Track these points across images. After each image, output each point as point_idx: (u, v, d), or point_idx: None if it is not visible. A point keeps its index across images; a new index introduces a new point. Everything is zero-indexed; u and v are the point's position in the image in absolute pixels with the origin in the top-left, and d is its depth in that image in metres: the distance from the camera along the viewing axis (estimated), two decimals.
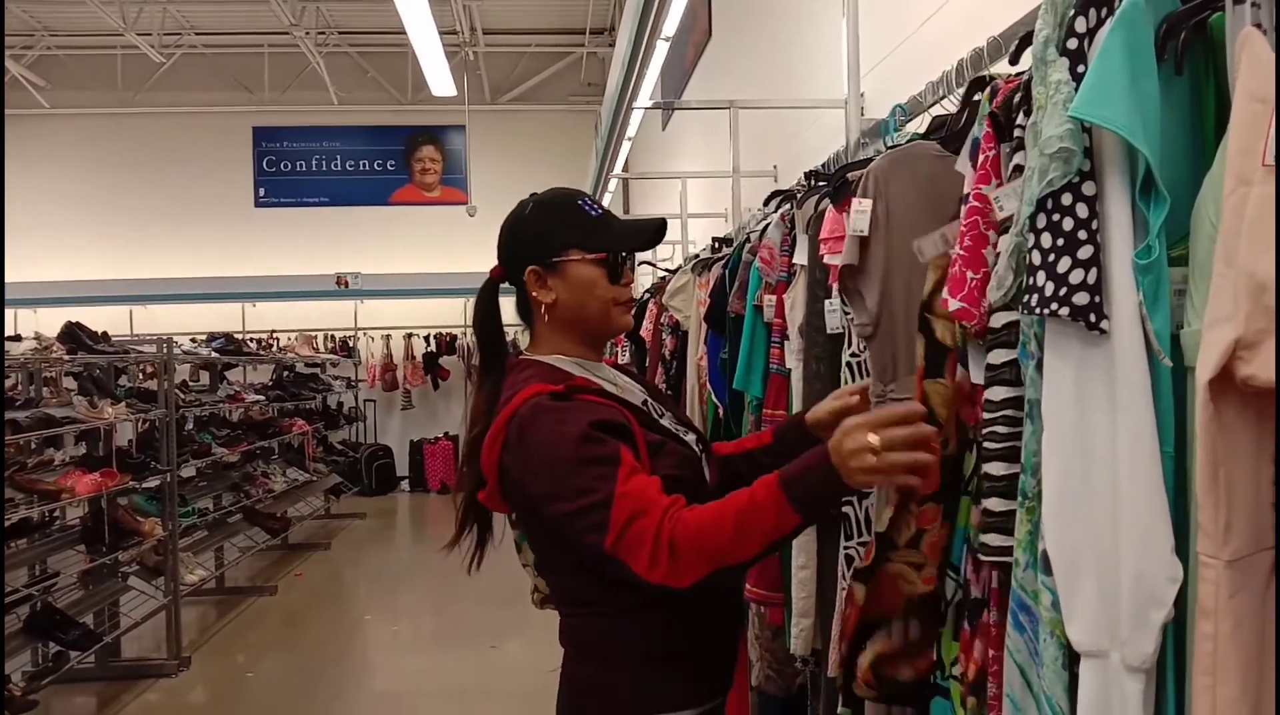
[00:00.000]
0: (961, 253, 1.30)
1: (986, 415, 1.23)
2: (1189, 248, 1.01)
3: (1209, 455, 0.93)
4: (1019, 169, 1.21)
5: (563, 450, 1.42)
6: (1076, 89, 1.04)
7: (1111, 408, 1.01)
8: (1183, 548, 0.99)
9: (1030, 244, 1.07)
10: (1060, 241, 1.04)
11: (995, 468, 1.21)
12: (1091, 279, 1.02)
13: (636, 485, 1.39)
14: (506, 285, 1.66)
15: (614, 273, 1.60)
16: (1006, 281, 1.13)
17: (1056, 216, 1.05)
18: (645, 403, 1.63)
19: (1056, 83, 1.06)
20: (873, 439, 1.26)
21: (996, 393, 1.21)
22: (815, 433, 1.71)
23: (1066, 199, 1.04)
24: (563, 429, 1.43)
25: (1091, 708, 1.02)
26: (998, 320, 1.21)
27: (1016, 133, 1.23)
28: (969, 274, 1.27)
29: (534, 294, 1.59)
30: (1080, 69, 1.06)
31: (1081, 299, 1.02)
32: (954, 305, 1.29)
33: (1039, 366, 1.10)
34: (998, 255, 1.21)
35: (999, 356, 1.21)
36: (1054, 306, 1.03)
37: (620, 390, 1.60)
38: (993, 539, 1.21)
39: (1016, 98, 1.26)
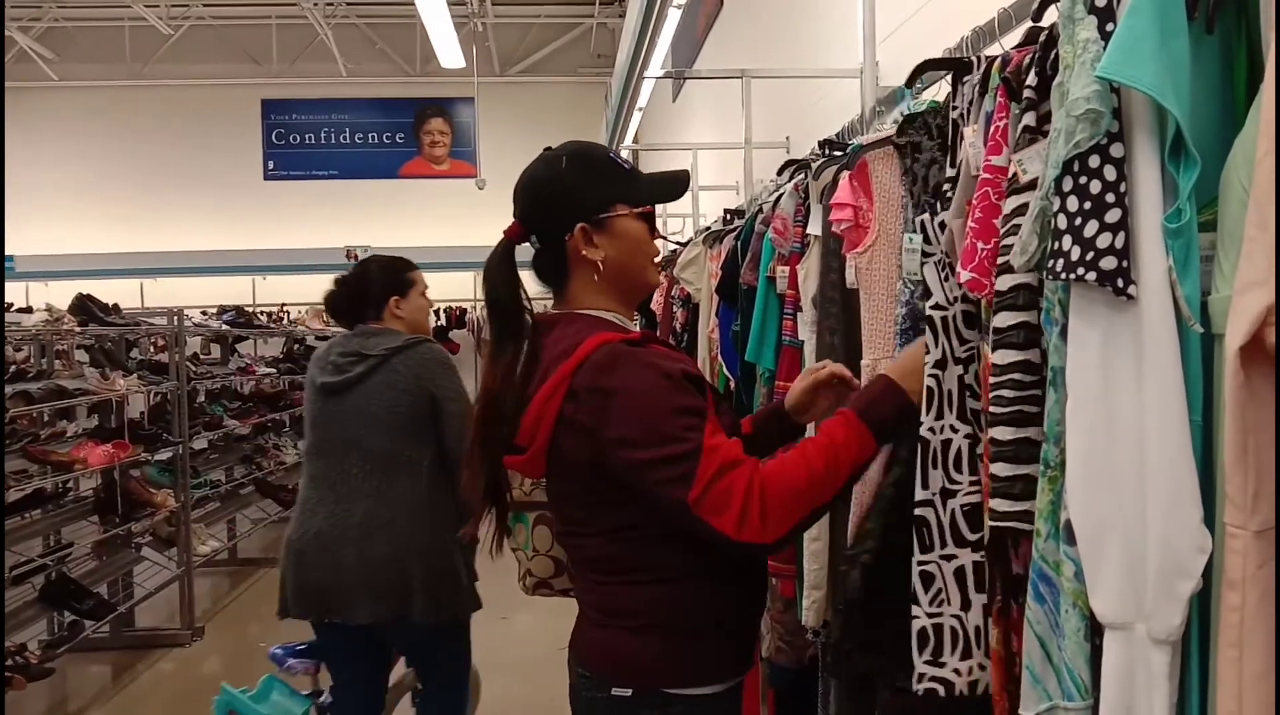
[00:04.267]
0: (973, 224, 1.28)
1: (993, 379, 1.22)
2: (1218, 212, 0.99)
3: (1238, 424, 0.91)
4: (1028, 129, 1.19)
5: (653, 395, 1.36)
6: (1105, 48, 1.01)
7: (1138, 375, 0.99)
8: (1209, 518, 0.97)
9: (1056, 207, 1.04)
10: (1087, 205, 1.01)
11: (1001, 432, 1.20)
12: (1119, 243, 0.99)
13: (723, 441, 1.36)
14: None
15: (652, 226, 1.57)
16: (1030, 246, 1.10)
17: (1083, 179, 1.02)
18: None
19: (1084, 41, 1.03)
20: None
21: (1003, 356, 1.20)
22: (795, 418, 1.71)
23: (1094, 161, 1.01)
24: (651, 373, 1.38)
25: (1116, 680, 1.00)
26: (1004, 283, 1.19)
27: (1026, 94, 1.21)
28: (979, 245, 1.26)
29: (583, 252, 1.50)
30: (1109, 27, 1.02)
31: (1109, 263, 0.99)
32: (965, 276, 1.28)
33: (1063, 333, 1.08)
34: (1009, 224, 1.19)
35: (1005, 319, 1.19)
36: (1080, 271, 1.01)
37: None
38: (1000, 504, 1.20)
39: (1027, 60, 1.23)
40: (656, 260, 1.60)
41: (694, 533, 1.35)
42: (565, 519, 1.55)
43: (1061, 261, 1.03)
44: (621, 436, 1.36)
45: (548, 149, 1.58)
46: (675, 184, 1.62)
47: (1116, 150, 1.02)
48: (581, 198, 1.52)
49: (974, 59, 1.43)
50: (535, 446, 1.44)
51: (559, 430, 1.41)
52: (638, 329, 1.57)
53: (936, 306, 1.41)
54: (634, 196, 1.54)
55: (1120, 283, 0.99)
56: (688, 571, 1.45)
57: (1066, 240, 1.03)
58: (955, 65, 1.48)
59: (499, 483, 1.54)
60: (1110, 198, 1.01)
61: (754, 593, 1.57)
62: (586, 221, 1.50)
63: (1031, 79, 1.20)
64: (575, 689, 1.56)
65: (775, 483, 1.33)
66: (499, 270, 1.52)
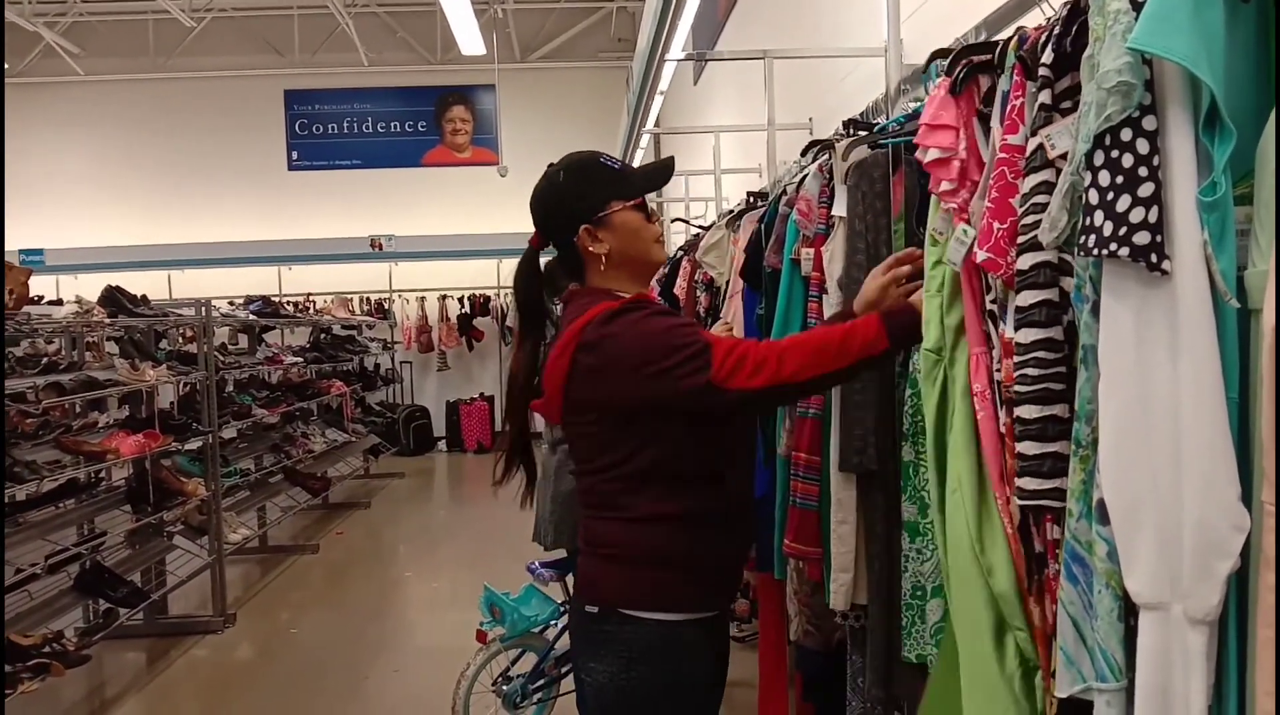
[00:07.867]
0: (989, 204, 1.27)
1: (1017, 358, 1.21)
2: (1254, 185, 0.97)
3: (1275, 400, 0.89)
4: (1044, 108, 1.18)
5: (652, 323, 1.65)
6: (1136, 18, 0.99)
7: (1173, 352, 0.97)
8: (1246, 496, 0.95)
9: (1087, 182, 1.02)
10: (1119, 179, 0.99)
11: (1027, 411, 1.20)
12: (1153, 217, 0.97)
13: (721, 336, 1.64)
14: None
15: (646, 213, 1.82)
16: (1061, 222, 1.09)
17: (1115, 153, 1.00)
18: None
19: (1115, 12, 1.01)
20: None
21: (1026, 335, 1.19)
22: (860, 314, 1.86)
23: (1126, 134, 0.99)
24: (646, 313, 1.67)
25: (1152, 661, 0.99)
26: (1025, 262, 1.19)
27: (1042, 71, 1.19)
28: (995, 224, 1.26)
29: (590, 249, 1.77)
30: None
31: (1142, 238, 0.97)
32: (981, 256, 1.27)
33: (1094, 310, 1.06)
34: (1029, 203, 1.18)
35: (1027, 298, 1.19)
36: (1113, 247, 0.99)
37: None
38: (1028, 482, 1.19)
39: (1044, 38, 1.22)
40: (659, 239, 1.84)
41: (721, 405, 1.61)
42: (577, 458, 1.82)
43: (1093, 237, 1.01)
44: (637, 362, 1.63)
45: (550, 165, 1.85)
46: (663, 171, 1.90)
47: (1149, 123, 1.00)
48: (580, 204, 1.78)
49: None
50: (550, 392, 1.73)
51: (572, 377, 1.68)
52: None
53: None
54: (625, 192, 1.79)
55: (1154, 258, 0.97)
56: (659, 514, 1.70)
57: (1098, 215, 1.01)
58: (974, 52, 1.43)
59: (526, 444, 1.86)
60: (1143, 171, 0.99)
61: (722, 537, 1.77)
62: (588, 223, 1.77)
63: (1047, 56, 1.19)
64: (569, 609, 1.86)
65: (790, 339, 1.62)
66: (524, 275, 1.84)
